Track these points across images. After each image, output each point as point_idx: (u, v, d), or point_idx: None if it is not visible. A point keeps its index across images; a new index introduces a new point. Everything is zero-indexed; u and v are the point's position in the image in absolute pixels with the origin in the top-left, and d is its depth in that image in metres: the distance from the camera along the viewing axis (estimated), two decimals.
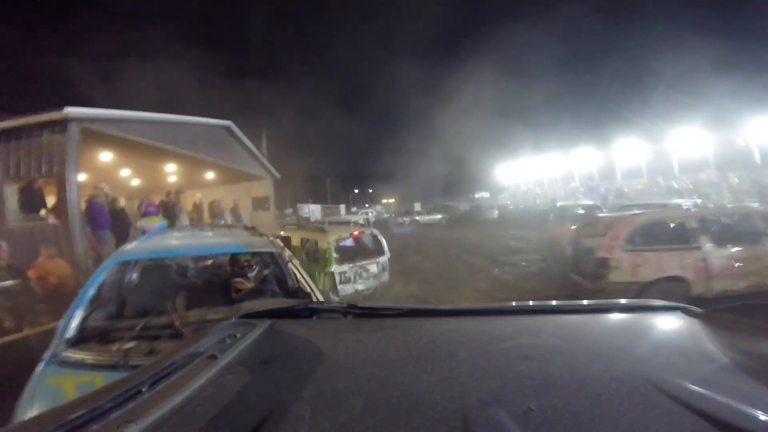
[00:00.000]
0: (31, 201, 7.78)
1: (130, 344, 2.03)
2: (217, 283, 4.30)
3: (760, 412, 0.56)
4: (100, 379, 1.75)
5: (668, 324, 1.07)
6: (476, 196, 49.15)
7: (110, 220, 8.77)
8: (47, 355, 2.00)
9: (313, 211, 25.45)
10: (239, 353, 0.90)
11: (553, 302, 1.30)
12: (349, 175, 75.37)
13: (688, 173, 26.96)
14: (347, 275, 6.06)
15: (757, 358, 0.79)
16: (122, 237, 8.78)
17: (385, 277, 6.66)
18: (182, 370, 0.79)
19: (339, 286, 5.91)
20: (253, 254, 3.18)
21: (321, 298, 3.09)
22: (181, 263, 4.50)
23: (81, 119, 7.64)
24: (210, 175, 16.48)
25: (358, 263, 6.29)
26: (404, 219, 23.19)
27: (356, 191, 71.63)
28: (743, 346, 0.85)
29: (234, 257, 3.23)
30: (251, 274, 3.08)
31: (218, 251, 3.57)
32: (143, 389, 0.71)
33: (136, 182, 17.16)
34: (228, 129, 15.59)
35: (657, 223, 5.18)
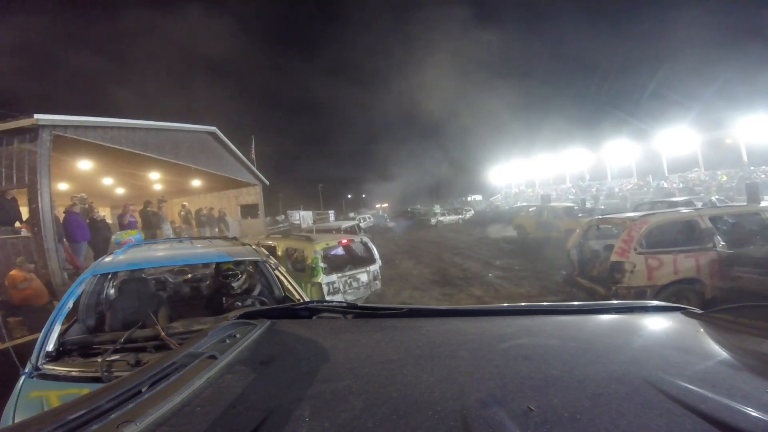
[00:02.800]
0: (2, 212, 7.39)
1: (115, 356, 1.97)
2: (199, 294, 4.10)
3: (759, 412, 0.55)
4: (86, 392, 1.65)
5: (668, 324, 1.06)
6: (469, 198, 49.36)
7: (89, 232, 8.40)
8: (28, 368, 1.97)
9: (304, 217, 25.00)
10: (239, 353, 0.90)
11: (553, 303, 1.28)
12: (342, 180, 75.20)
13: (677, 172, 27.24)
14: (336, 285, 5.78)
15: (757, 358, 0.78)
16: (101, 249, 8.40)
17: (377, 286, 6.39)
18: (182, 370, 0.77)
19: (327, 297, 5.63)
20: (238, 263, 3.07)
21: None
22: (161, 276, 4.31)
23: (53, 126, 7.28)
24: (196, 183, 16.06)
25: (348, 272, 6.01)
26: (431, 219, 26.05)
27: (349, 196, 71.45)
28: (743, 346, 0.84)
29: (218, 267, 3.14)
30: (236, 283, 3.02)
31: (200, 261, 3.45)
32: (143, 389, 0.70)
33: (120, 191, 16.74)
34: (213, 135, 15.18)
35: (670, 224, 4.95)
